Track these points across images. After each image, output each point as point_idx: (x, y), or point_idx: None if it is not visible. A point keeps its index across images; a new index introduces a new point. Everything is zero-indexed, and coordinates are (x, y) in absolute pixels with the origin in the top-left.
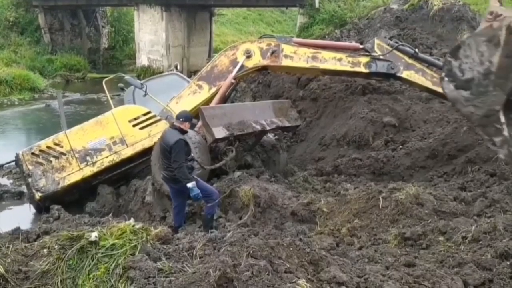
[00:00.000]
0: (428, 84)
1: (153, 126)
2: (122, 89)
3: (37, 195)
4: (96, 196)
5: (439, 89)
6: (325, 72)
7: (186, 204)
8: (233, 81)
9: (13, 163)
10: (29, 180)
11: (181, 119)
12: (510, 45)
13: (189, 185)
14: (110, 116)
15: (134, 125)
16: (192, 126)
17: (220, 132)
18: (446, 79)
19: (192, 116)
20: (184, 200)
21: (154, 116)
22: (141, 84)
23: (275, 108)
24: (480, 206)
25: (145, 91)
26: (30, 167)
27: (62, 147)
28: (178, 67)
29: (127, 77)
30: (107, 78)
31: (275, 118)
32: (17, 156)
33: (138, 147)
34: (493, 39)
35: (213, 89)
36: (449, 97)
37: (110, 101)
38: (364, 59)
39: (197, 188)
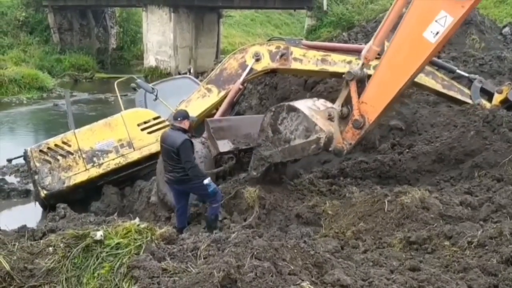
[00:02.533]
0: (438, 87)
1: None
2: (134, 89)
3: (43, 193)
4: (101, 196)
5: (449, 93)
6: (334, 75)
7: (189, 205)
8: (240, 86)
9: (22, 159)
10: (36, 177)
11: (179, 119)
12: (312, 145)
13: (206, 181)
14: (119, 118)
15: (142, 129)
16: (197, 132)
17: (225, 146)
18: (271, 113)
19: (188, 114)
20: (187, 201)
21: (164, 121)
22: (152, 88)
23: None
24: (487, 211)
25: (156, 95)
26: (38, 164)
27: (70, 146)
28: (192, 70)
29: (138, 80)
30: (119, 80)
31: None
32: (25, 152)
33: (145, 152)
34: (309, 131)
35: (222, 93)
36: (260, 125)
37: (121, 102)
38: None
39: (213, 183)
